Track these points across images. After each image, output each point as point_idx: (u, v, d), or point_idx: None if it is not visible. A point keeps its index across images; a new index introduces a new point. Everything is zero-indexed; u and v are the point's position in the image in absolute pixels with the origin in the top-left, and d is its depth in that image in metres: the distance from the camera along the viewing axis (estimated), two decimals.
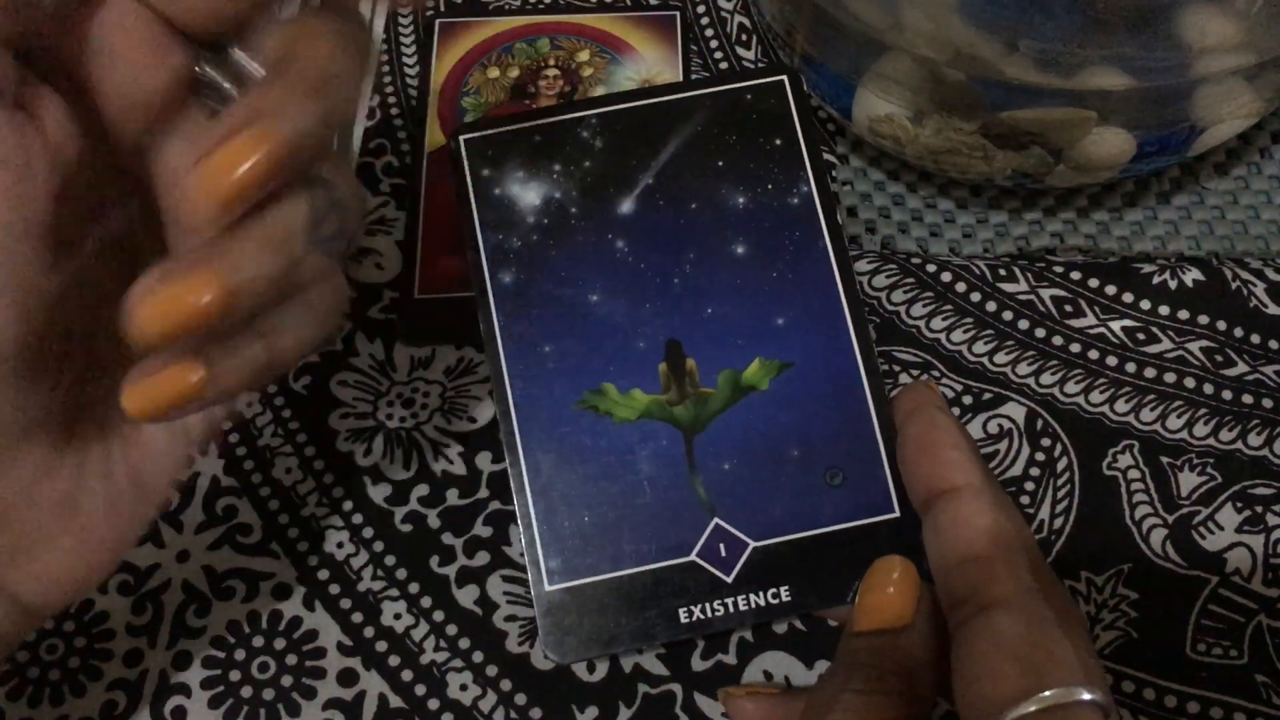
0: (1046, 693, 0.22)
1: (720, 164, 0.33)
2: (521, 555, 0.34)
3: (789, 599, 0.30)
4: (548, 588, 0.30)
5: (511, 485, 0.31)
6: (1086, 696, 0.22)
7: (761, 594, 0.30)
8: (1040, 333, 0.37)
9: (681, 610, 0.30)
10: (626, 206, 0.33)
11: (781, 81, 0.34)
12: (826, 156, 0.40)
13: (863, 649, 0.26)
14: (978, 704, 0.23)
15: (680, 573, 0.30)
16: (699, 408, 0.31)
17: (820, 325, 0.32)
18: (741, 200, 0.33)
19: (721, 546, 0.30)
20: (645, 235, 0.32)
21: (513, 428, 0.31)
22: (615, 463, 0.31)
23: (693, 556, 0.30)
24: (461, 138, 0.33)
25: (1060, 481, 0.35)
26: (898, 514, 0.30)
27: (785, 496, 0.31)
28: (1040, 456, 0.35)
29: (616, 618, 0.30)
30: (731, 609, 0.30)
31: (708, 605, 0.30)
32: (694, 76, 0.42)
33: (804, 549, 0.30)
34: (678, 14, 0.44)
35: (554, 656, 0.30)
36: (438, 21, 0.44)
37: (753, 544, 0.30)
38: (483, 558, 0.34)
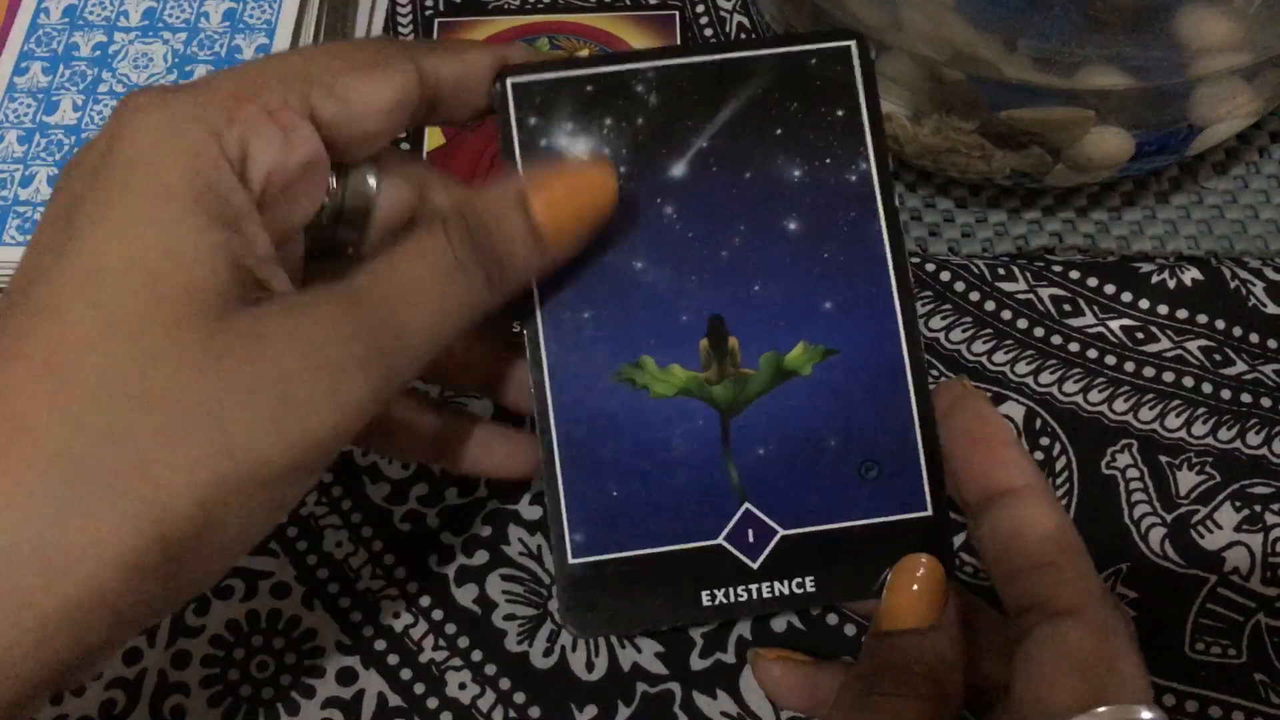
0: (1101, 709, 0.22)
1: (778, 132, 0.31)
2: (521, 554, 0.34)
3: (813, 590, 0.29)
4: (571, 560, 0.29)
5: (540, 453, 0.29)
6: (1147, 715, 0.22)
7: (786, 583, 0.29)
8: (1039, 332, 0.37)
9: (704, 594, 0.29)
10: (678, 170, 0.31)
11: (848, 47, 0.31)
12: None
13: (888, 650, 0.26)
14: (1032, 707, 0.23)
15: (705, 555, 0.29)
16: (738, 389, 0.30)
17: (868, 312, 0.30)
18: (797, 173, 0.31)
19: (750, 532, 0.30)
20: (696, 202, 0.31)
21: (545, 393, 0.30)
22: (649, 439, 0.30)
23: (720, 540, 0.29)
24: (510, 80, 0.30)
25: (1059, 480, 0.35)
26: (929, 512, 0.29)
27: (818, 486, 0.30)
28: (1039, 455, 0.35)
29: (639, 596, 0.29)
30: (755, 596, 0.29)
31: (731, 590, 0.29)
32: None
33: (832, 541, 0.29)
34: (677, 14, 0.44)
35: (574, 631, 0.29)
36: (437, 21, 0.44)
37: (782, 532, 0.29)
38: (481, 557, 0.34)
